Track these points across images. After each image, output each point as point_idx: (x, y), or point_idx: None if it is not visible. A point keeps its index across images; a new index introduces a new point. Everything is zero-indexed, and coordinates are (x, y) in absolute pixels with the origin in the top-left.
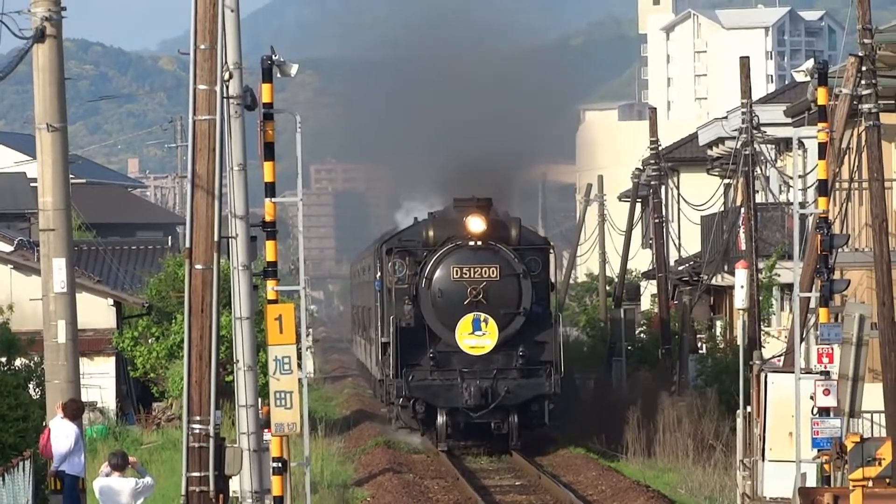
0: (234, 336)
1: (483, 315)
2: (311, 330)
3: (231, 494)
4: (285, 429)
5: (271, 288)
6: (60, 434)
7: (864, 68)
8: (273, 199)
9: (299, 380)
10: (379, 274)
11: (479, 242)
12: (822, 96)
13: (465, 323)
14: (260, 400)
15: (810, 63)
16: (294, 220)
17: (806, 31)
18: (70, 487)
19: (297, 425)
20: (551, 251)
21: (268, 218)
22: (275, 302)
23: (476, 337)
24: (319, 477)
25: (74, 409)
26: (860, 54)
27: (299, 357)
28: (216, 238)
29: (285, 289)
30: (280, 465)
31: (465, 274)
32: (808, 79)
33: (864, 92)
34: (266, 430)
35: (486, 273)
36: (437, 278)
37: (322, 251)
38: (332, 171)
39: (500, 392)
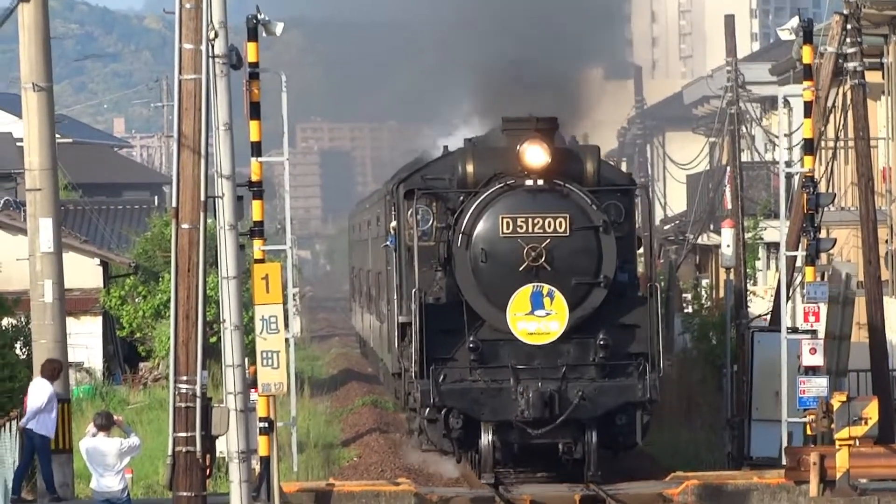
0: (220, 296)
1: (546, 287)
2: (297, 290)
3: (217, 454)
4: (272, 388)
5: (258, 247)
6: (36, 392)
7: (849, 26)
8: (259, 159)
9: (286, 339)
10: (394, 226)
11: (541, 182)
12: (807, 55)
13: (521, 298)
14: (246, 360)
15: (795, 21)
16: (280, 179)
17: None
18: (42, 447)
19: (284, 385)
20: (637, 194)
21: (254, 177)
22: (261, 261)
23: (536, 319)
24: (306, 437)
25: (50, 370)
26: (845, 12)
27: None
28: (202, 198)
29: (272, 248)
30: (266, 424)
31: (521, 227)
32: (793, 37)
33: (850, 50)
34: (253, 390)
35: (550, 226)
36: (481, 234)
37: (308, 210)
38: (317, 129)
39: (572, 399)
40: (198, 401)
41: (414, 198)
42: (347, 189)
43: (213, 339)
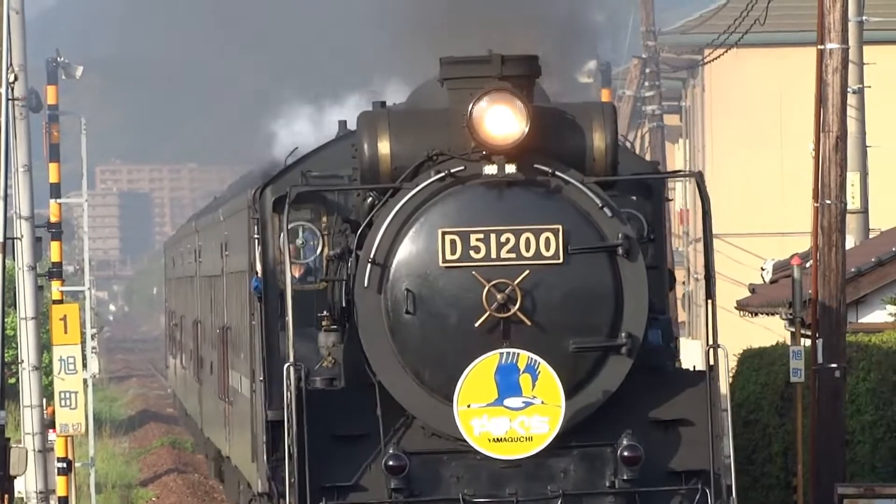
0: (19, 336)
1: (525, 356)
2: (95, 331)
3: (16, 495)
4: (70, 429)
5: (56, 288)
6: None
7: (647, 70)
8: (58, 200)
9: (84, 380)
10: (258, 256)
11: (512, 168)
12: (605, 98)
13: (480, 377)
14: (45, 400)
15: (593, 64)
16: (79, 220)
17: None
18: None
19: (82, 425)
20: (671, 194)
21: (53, 219)
22: (60, 302)
23: (508, 413)
24: (105, 477)
25: None
26: (644, 56)
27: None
28: (1, 239)
29: (70, 289)
30: (65, 465)
31: (477, 249)
32: (591, 80)
33: (648, 94)
34: (51, 431)
35: (530, 246)
36: (405, 263)
37: (107, 252)
38: (116, 171)
39: None
40: None
41: (289, 206)
42: (146, 230)
43: (12, 381)
